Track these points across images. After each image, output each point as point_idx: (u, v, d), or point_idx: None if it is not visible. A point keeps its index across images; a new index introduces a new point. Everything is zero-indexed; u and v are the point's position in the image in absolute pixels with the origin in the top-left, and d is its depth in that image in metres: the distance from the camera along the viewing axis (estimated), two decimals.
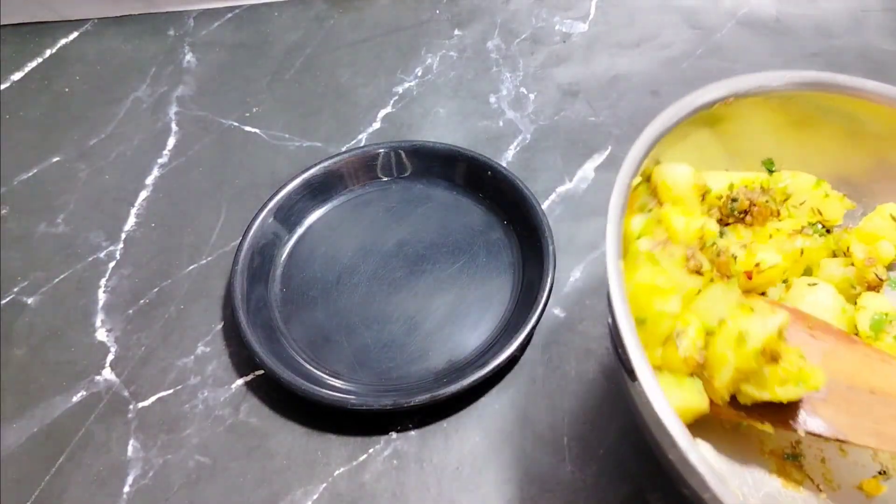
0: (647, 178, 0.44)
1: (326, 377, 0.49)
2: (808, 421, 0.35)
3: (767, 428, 0.37)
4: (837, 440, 0.36)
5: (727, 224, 0.46)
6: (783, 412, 0.36)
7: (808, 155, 0.47)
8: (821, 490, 0.41)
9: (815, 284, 0.43)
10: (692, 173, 0.43)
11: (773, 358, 0.34)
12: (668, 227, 0.42)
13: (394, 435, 0.48)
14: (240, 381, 0.51)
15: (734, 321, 0.35)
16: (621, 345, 0.32)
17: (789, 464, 0.41)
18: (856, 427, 0.35)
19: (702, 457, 0.30)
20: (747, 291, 0.44)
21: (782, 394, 0.34)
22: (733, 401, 0.36)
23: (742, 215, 0.45)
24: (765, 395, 0.34)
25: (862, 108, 0.45)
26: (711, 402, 0.36)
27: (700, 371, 0.35)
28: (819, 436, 0.36)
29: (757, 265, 0.42)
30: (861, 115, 0.45)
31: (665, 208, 0.42)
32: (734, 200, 0.45)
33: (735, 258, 0.42)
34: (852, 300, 0.43)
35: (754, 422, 0.36)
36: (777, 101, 0.46)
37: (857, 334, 0.42)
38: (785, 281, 0.44)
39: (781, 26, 0.73)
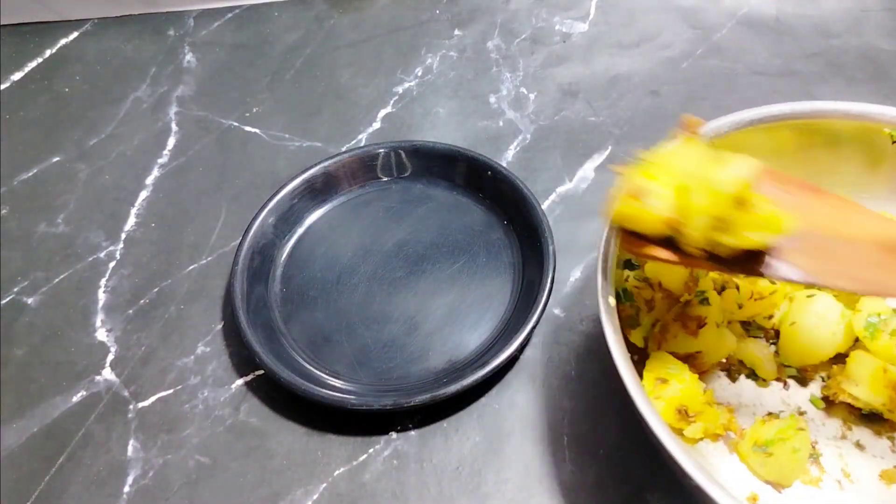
0: None
1: (326, 377, 0.49)
2: (779, 267, 0.36)
3: (741, 279, 0.38)
4: (808, 284, 0.36)
5: None
6: (756, 262, 0.35)
7: (817, 175, 0.48)
8: (840, 484, 0.41)
9: (812, 295, 0.44)
10: None
11: (744, 204, 0.34)
12: (658, 276, 0.45)
13: (394, 435, 0.48)
14: (240, 381, 0.51)
15: (708, 171, 0.35)
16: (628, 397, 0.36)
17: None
18: (828, 272, 0.36)
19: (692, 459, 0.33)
20: (749, 319, 0.46)
21: (754, 238, 0.34)
22: (711, 257, 0.36)
23: None
24: (737, 241, 0.34)
25: (847, 127, 0.47)
26: (689, 257, 0.36)
27: (674, 227, 0.35)
28: (789, 281, 0.36)
29: (752, 295, 0.44)
30: (871, 135, 0.47)
31: (648, 264, 0.46)
32: None
33: (738, 288, 0.44)
34: (854, 305, 0.44)
35: (727, 273, 0.36)
36: (769, 132, 0.48)
37: (856, 339, 0.43)
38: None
39: (781, 26, 0.73)
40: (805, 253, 0.36)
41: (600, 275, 0.41)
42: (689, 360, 0.44)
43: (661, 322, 0.44)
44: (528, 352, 0.51)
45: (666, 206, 0.35)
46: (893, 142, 0.46)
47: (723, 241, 0.35)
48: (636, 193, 0.35)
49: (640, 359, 0.45)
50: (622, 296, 0.45)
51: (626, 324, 0.45)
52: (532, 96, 0.68)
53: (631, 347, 0.45)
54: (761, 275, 0.36)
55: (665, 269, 0.45)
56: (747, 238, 0.34)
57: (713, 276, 0.45)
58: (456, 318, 0.52)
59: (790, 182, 0.38)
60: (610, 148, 0.63)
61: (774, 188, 0.37)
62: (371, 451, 0.47)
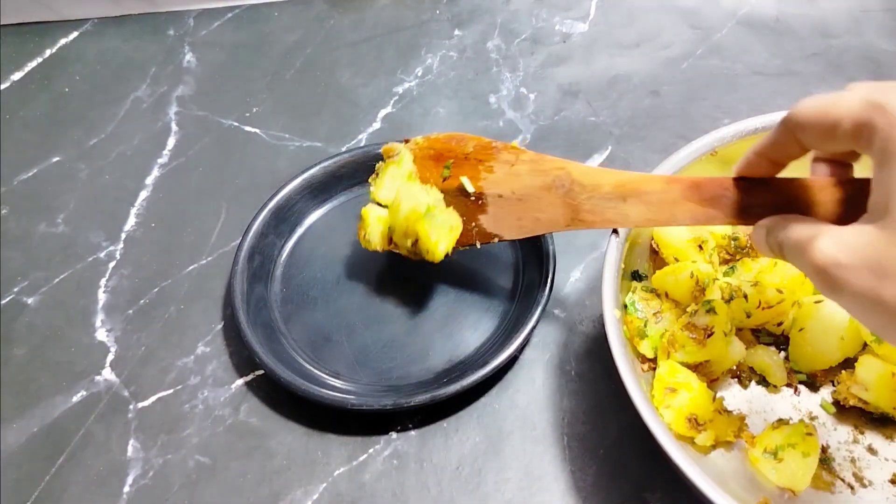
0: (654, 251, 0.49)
1: (326, 377, 0.49)
2: (476, 238, 0.47)
3: (749, 290, 0.45)
4: (496, 240, 0.47)
5: (737, 260, 0.49)
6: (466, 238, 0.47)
7: None
8: (853, 489, 0.41)
9: (820, 301, 0.45)
10: (687, 229, 0.48)
11: (416, 238, 0.46)
12: (665, 287, 0.47)
13: (394, 435, 0.48)
14: (240, 381, 0.51)
15: (392, 210, 0.48)
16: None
17: (819, 466, 0.42)
18: (504, 227, 0.45)
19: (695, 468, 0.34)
20: (759, 326, 0.47)
21: (434, 256, 0.46)
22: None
23: (746, 249, 0.49)
24: (430, 257, 0.47)
25: None
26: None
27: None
28: (487, 241, 0.47)
29: (759, 304, 0.45)
30: None
31: (655, 275, 0.47)
32: (734, 239, 0.50)
33: (746, 297, 0.45)
34: None
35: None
36: None
37: (864, 344, 0.44)
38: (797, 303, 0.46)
39: (781, 26, 0.73)
40: (490, 215, 0.45)
41: (606, 287, 0.41)
42: (699, 368, 0.44)
43: (669, 332, 0.45)
44: (528, 352, 0.51)
45: (378, 239, 0.50)
46: None
47: (425, 257, 0.47)
48: (361, 229, 0.50)
49: (649, 367, 0.45)
50: (630, 307, 0.46)
51: (635, 334, 0.45)
52: (532, 96, 0.68)
53: (640, 356, 0.45)
54: (469, 245, 0.48)
55: (671, 280, 0.46)
56: (434, 256, 0.46)
57: (721, 286, 0.45)
58: (456, 318, 0.52)
59: (475, 165, 0.46)
60: (610, 148, 0.63)
61: (465, 180, 0.46)
62: (371, 451, 0.47)
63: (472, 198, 0.46)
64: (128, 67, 0.74)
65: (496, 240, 0.46)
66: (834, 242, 0.28)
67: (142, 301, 0.56)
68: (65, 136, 0.68)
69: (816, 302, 0.44)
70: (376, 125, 0.67)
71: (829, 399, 0.45)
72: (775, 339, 0.47)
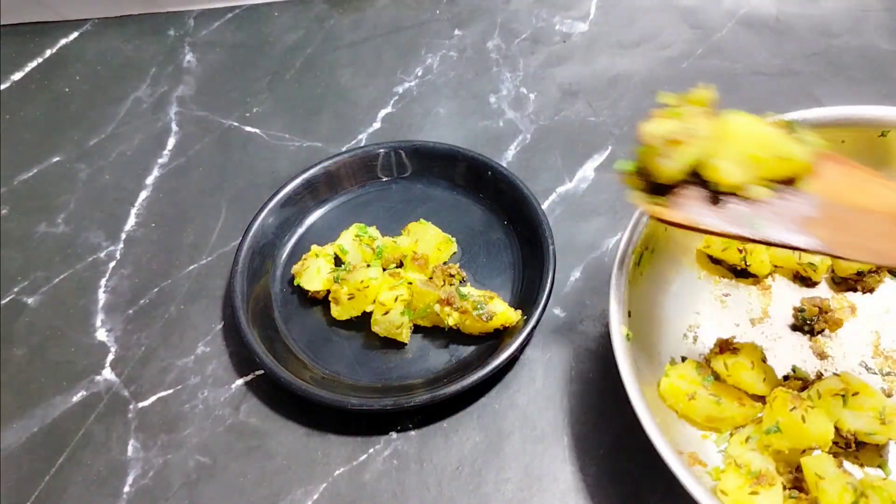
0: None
1: (326, 377, 0.49)
2: (801, 241, 0.37)
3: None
4: (827, 255, 0.37)
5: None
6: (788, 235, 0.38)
7: None
8: None
9: None
10: None
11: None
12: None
13: (394, 435, 0.48)
14: (240, 381, 0.51)
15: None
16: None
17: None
18: (846, 244, 0.37)
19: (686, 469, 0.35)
20: None
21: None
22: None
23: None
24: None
25: None
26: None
27: None
28: (817, 252, 0.37)
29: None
30: None
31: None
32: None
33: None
34: None
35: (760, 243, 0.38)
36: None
37: None
38: None
39: (781, 26, 0.73)
40: (827, 226, 0.37)
41: (613, 301, 0.41)
42: None
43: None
44: (528, 352, 0.51)
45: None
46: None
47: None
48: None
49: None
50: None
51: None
52: (532, 96, 0.68)
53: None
54: (793, 247, 0.37)
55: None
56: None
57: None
58: None
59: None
60: (610, 148, 0.63)
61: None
62: (371, 451, 0.47)
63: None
64: (128, 67, 0.74)
65: (822, 252, 0.38)
66: None
67: (142, 301, 0.56)
68: (65, 136, 0.68)
69: None
70: (376, 125, 0.67)
71: None
72: None
